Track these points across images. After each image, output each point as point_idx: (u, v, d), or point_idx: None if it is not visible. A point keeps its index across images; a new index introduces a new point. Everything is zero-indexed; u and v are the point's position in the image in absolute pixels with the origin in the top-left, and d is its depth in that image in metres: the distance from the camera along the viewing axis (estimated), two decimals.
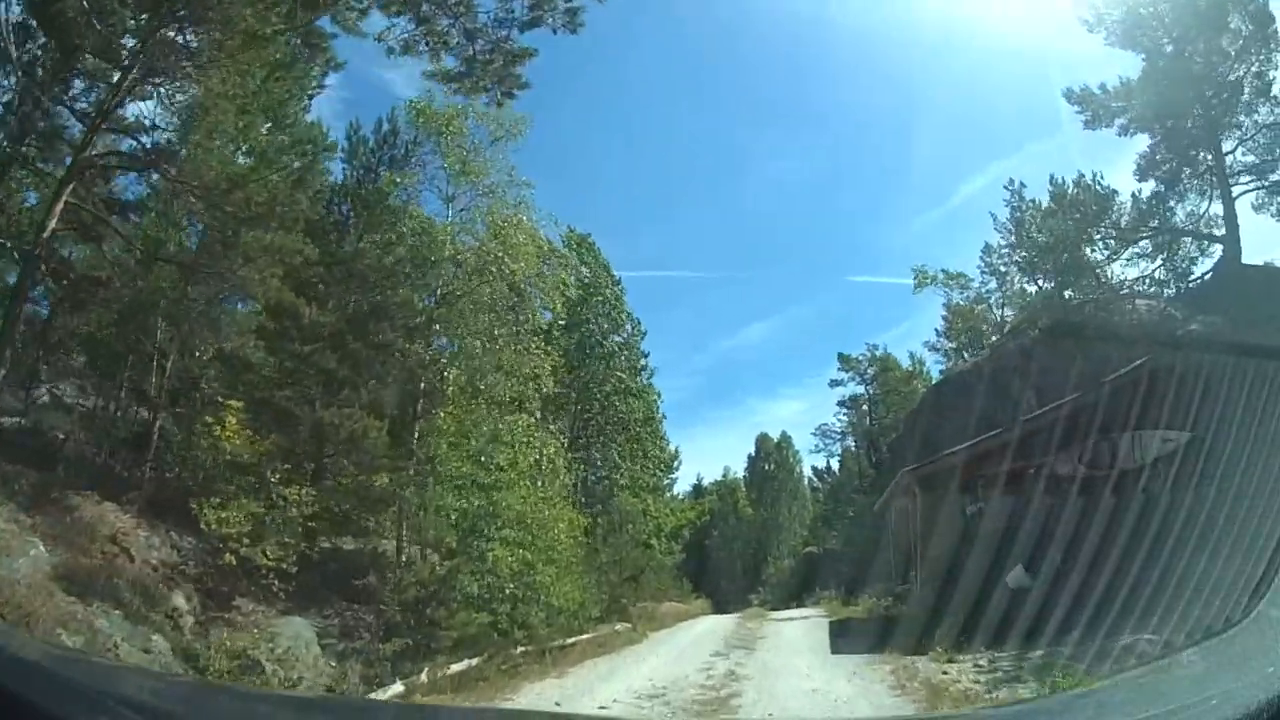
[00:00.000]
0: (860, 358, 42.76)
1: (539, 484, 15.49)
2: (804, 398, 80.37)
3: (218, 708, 1.73)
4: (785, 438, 54.71)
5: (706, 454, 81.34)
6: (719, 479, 53.56)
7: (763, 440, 55.37)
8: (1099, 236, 26.04)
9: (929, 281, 33.26)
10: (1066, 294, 26.61)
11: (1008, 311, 32.46)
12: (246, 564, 9.87)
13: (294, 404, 11.49)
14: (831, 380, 43.61)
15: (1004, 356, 25.83)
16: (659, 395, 38.84)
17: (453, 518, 12.93)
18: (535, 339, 17.73)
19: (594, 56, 48.01)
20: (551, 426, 20.25)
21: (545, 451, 16.58)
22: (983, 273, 32.32)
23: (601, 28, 45.30)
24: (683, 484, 48.87)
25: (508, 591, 12.75)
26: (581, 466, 32.73)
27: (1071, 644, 4.62)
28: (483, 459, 13.94)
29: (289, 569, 10.05)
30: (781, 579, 44.30)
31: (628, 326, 33.87)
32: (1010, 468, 10.91)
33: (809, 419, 72.27)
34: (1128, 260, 26.41)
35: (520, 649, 12.28)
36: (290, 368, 11.75)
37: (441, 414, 14.51)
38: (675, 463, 41.01)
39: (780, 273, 62.98)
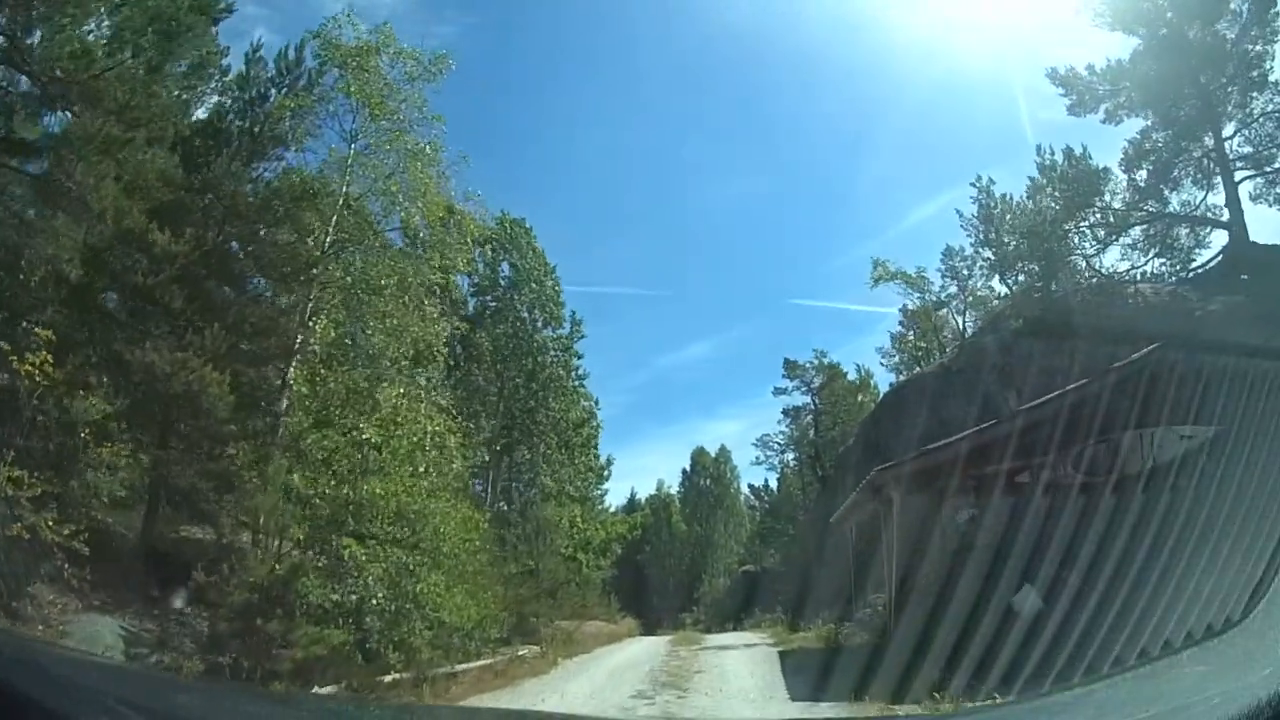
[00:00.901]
0: (807, 365, 44.91)
1: (425, 470, 14.63)
2: (743, 417, 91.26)
3: (218, 707, 1.83)
4: (724, 452, 58.66)
5: (642, 471, 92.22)
6: (653, 493, 57.42)
7: (699, 454, 59.00)
8: (1087, 226, 28.07)
9: (888, 277, 35.47)
10: (1052, 284, 28.35)
11: (970, 316, 35.28)
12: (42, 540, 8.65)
13: (125, 344, 10.55)
14: (775, 388, 45.50)
15: (976, 354, 27.31)
16: (595, 402, 40.58)
17: (304, 505, 11.94)
18: (431, 298, 17.09)
19: (541, 64, 53.92)
20: (447, 401, 19.50)
21: (431, 428, 15.45)
22: (943, 276, 34.89)
23: (551, 34, 51.47)
24: (616, 497, 52.92)
25: (376, 603, 11.76)
26: (505, 469, 33.60)
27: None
28: (353, 434, 13.17)
29: (80, 549, 8.82)
30: (716, 598, 47.28)
31: (565, 322, 34.91)
32: (1013, 466, 10.28)
33: (748, 438, 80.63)
34: (1121, 252, 28.46)
35: (391, 676, 11.33)
36: (132, 305, 10.81)
37: (295, 372, 13.61)
38: (606, 471, 42.78)
39: (723, 292, 71.70)
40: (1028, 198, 29.18)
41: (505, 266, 32.80)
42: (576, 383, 36.34)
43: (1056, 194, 27.99)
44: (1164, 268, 27.78)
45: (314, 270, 14.61)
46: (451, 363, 30.13)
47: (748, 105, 59.22)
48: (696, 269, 69.11)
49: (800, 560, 31.67)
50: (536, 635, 20.44)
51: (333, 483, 12.47)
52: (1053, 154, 28.45)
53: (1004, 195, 31.01)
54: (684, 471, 59.38)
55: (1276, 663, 2.66)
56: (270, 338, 13.03)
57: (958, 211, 32.51)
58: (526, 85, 53.59)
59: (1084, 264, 28.58)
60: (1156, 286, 25.68)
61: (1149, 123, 26.37)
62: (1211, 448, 6.05)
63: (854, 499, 15.43)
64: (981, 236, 32.04)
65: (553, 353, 33.43)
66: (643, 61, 57.77)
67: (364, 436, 13.32)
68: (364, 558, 12.17)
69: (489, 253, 32.36)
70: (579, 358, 36.39)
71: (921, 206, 63.28)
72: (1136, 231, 28.16)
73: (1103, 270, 28.39)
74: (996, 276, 33.01)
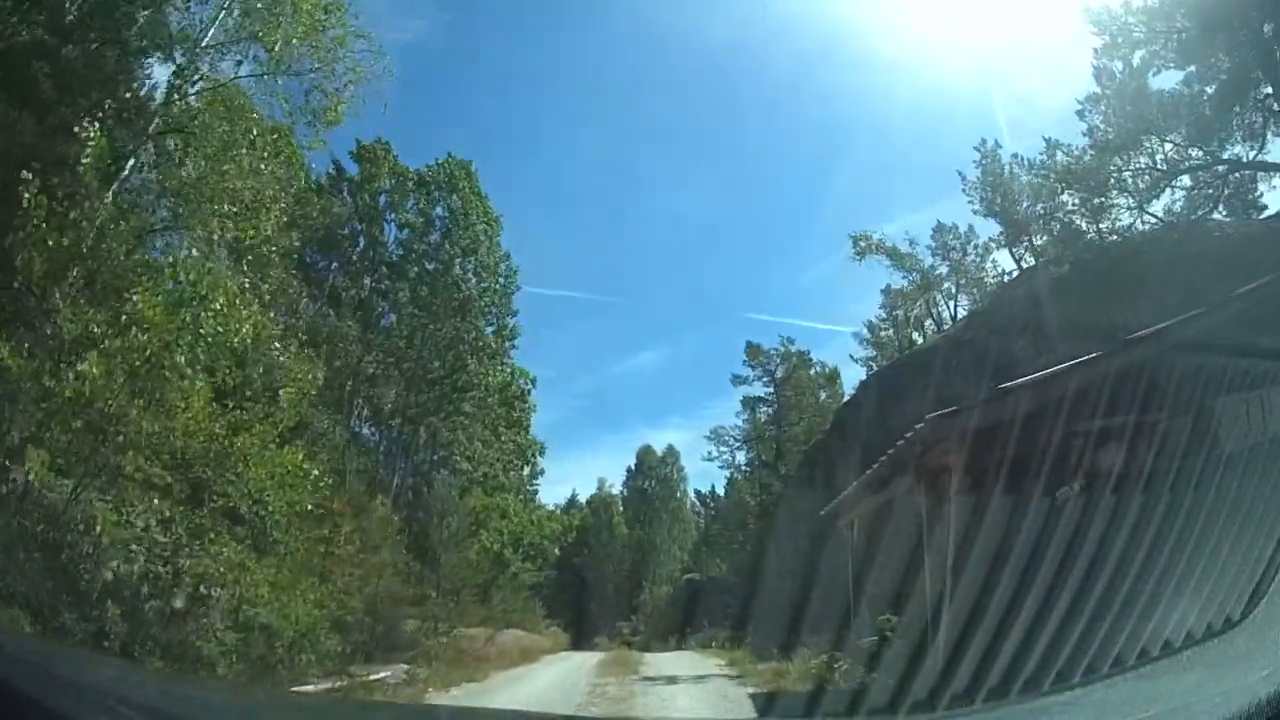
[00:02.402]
0: (772, 351, 44.66)
1: (237, 389, 12.09)
2: (692, 428, 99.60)
3: (218, 707, 1.98)
4: (671, 452, 60.55)
5: (586, 477, 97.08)
6: (594, 492, 58.06)
7: (646, 453, 60.36)
8: (1129, 173, 27.28)
9: (871, 250, 35.94)
10: (1099, 226, 27.23)
11: (963, 300, 36.33)
12: None
13: None
14: (734, 375, 45.59)
15: (996, 317, 26.12)
16: (532, 379, 40.00)
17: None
18: (274, 159, 15.67)
19: (504, 63, 58.19)
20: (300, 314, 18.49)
21: (247, 319, 11.65)
22: (933, 253, 35.84)
23: (515, 33, 57.13)
24: (555, 496, 54.40)
25: (143, 589, 9.31)
26: (407, 441, 32.26)
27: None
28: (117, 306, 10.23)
29: None
30: (657, 608, 48.30)
31: (500, 275, 34.04)
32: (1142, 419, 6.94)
33: (696, 450, 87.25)
34: (1168, 205, 27.48)
35: None
36: None
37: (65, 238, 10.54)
38: (534, 453, 42.25)
39: (676, 302, 77.06)
40: (1080, 123, 28.11)
41: (441, 211, 32.21)
42: (508, 344, 35.65)
43: (1111, 116, 27.14)
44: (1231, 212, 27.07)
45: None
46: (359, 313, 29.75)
47: (709, 119, 65.50)
48: (650, 278, 75.02)
49: (754, 570, 30.46)
50: (418, 649, 18.07)
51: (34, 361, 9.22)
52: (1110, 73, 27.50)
53: (1015, 155, 31.09)
54: (628, 470, 60.73)
55: (1276, 663, 3.01)
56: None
57: (960, 174, 32.74)
58: (488, 83, 58.42)
59: (1129, 211, 27.78)
60: (1247, 222, 24.34)
61: (1191, 70, 26.11)
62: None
63: (874, 474, 12.25)
64: (986, 205, 32.17)
65: (479, 304, 32.52)
66: (605, 67, 64.23)
67: (134, 305, 10.05)
68: (97, 503, 9.38)
69: (422, 195, 31.96)
70: (513, 315, 35.39)
71: (880, 228, 69.59)
72: (1186, 180, 27.77)
73: (1156, 217, 27.74)
74: (1005, 248, 33.67)
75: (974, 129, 49.01)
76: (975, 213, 32.88)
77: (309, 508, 14.21)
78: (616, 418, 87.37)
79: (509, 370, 36.95)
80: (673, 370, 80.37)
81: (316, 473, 13.70)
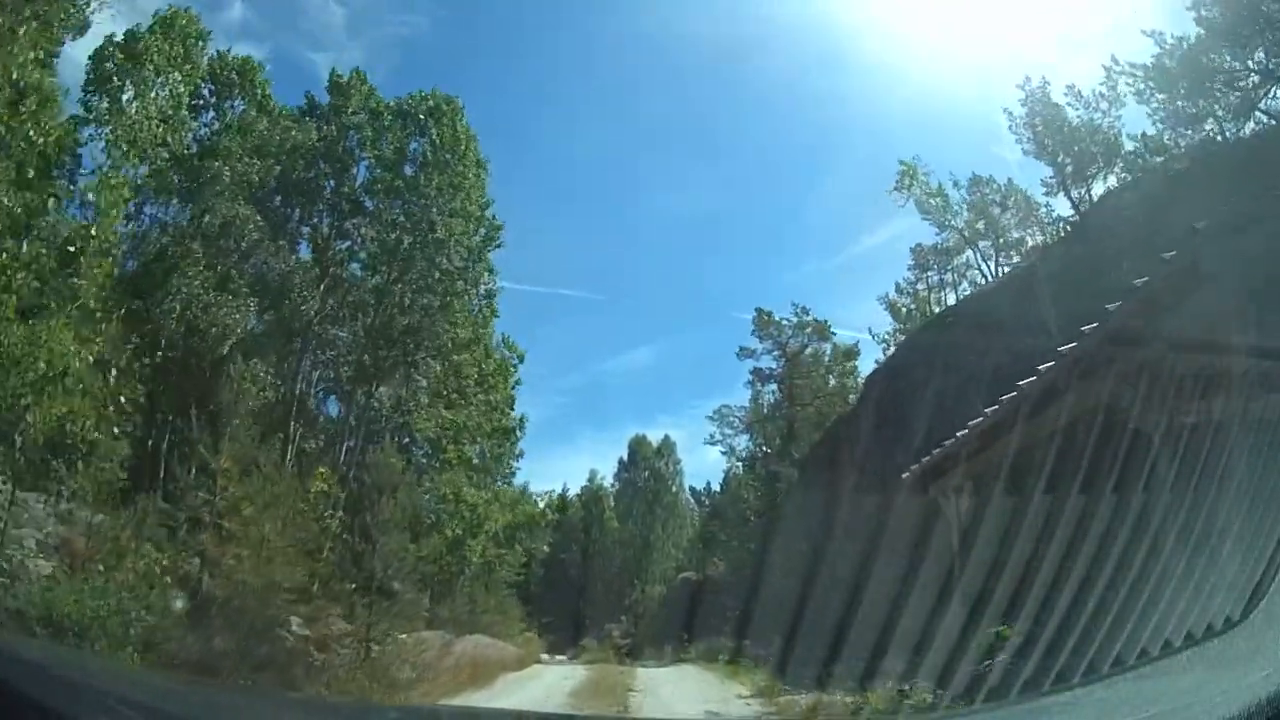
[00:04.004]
0: (785, 321, 39.85)
1: None
2: (683, 426, 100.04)
3: (218, 707, 1.99)
4: (667, 443, 58.27)
5: (575, 474, 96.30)
6: (584, 484, 56.37)
7: (639, 443, 58.02)
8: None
9: (913, 182, 32.77)
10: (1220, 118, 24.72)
11: (999, 262, 33.39)
12: None
13: None
14: (741, 348, 41.04)
15: (1091, 234, 22.52)
16: (514, 347, 36.63)
17: None
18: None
19: (500, 58, 58.06)
20: None
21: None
22: (969, 208, 33.10)
23: (514, 28, 58.75)
24: (541, 488, 50.65)
25: None
26: (362, 405, 28.06)
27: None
28: None
29: None
30: (651, 610, 46.91)
31: (483, 224, 30.28)
32: None
33: (687, 448, 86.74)
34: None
35: None
36: None
37: None
38: (515, 426, 37.08)
39: (668, 301, 78.59)
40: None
41: (417, 147, 28.71)
42: (482, 300, 31.80)
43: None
44: None
45: None
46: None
47: (704, 119, 67.67)
48: (641, 276, 76.05)
49: (761, 567, 26.58)
50: (309, 661, 13.88)
51: None
52: None
53: (1071, 85, 28.93)
54: (620, 462, 58.59)
55: (1276, 663, 3.02)
56: None
57: (1006, 111, 30.38)
58: (485, 79, 59.01)
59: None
60: None
61: None
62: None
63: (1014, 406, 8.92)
64: (1037, 145, 29.75)
65: (456, 248, 28.56)
66: (602, 66, 66.12)
67: None
68: None
69: (397, 128, 28.58)
70: (490, 272, 31.44)
71: (874, 232, 73.97)
72: None
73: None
74: (1059, 192, 30.48)
75: (972, 131, 49.37)
76: (1026, 153, 30.57)
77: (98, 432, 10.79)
78: (603, 415, 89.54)
79: (487, 333, 33.37)
80: (662, 368, 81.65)
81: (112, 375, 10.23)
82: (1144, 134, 27.25)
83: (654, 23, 56.19)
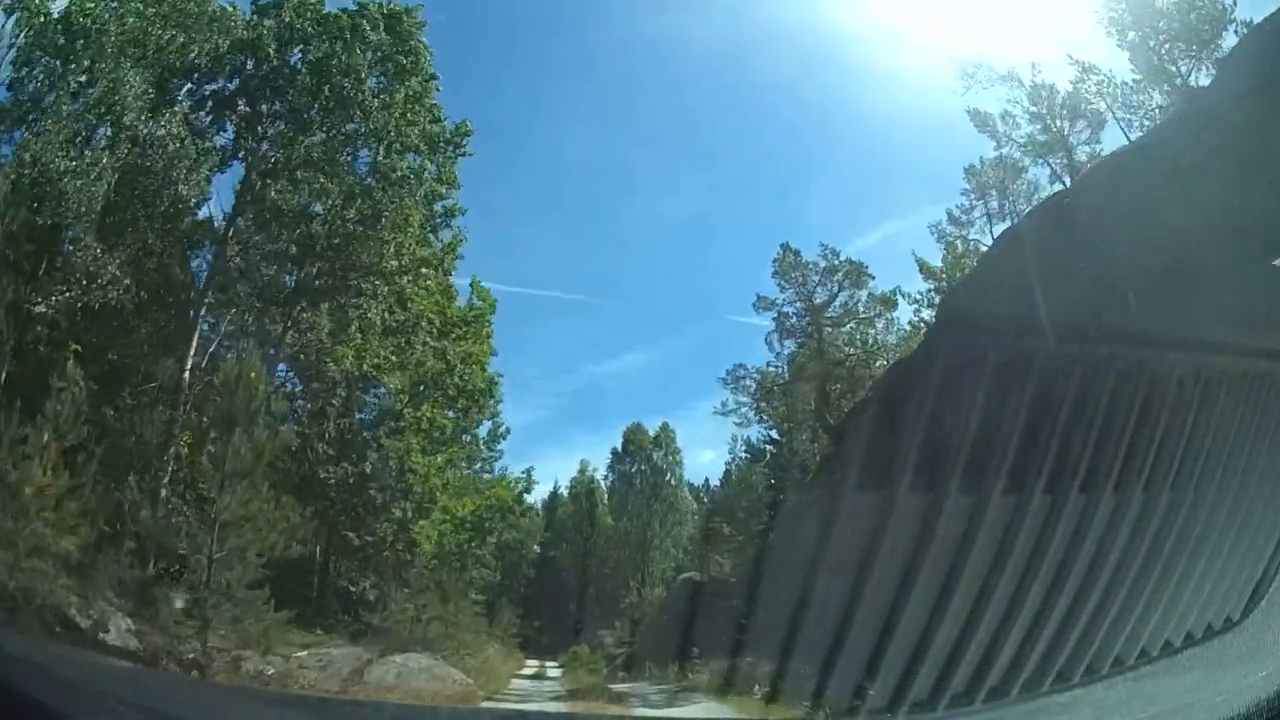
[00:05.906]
0: (812, 264, 33.79)
1: None
2: (678, 428, 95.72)
3: (218, 707, 1.98)
4: (666, 430, 52.48)
5: (566, 478, 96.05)
6: (575, 475, 52.60)
7: (635, 433, 52.69)
8: None
9: (982, 80, 28.36)
10: None
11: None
12: None
13: None
14: (758, 297, 34.70)
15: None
16: (490, 301, 29.98)
17: None
18: None
19: (490, 55, 56.37)
20: None
21: None
22: (1031, 121, 28.53)
23: (505, 33, 55.03)
24: (536, 494, 47.54)
25: None
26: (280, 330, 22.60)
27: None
28: None
29: None
30: (647, 615, 42.78)
31: (437, 122, 24.48)
32: None
33: (683, 448, 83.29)
34: None
35: None
36: None
37: None
38: (490, 386, 30.44)
39: (659, 304, 79.22)
40: None
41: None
42: (440, 220, 25.88)
43: None
44: None
45: None
46: None
47: (697, 121, 66.63)
48: (635, 279, 74.97)
49: (759, 568, 22.53)
50: None
51: None
52: None
53: None
54: (614, 451, 53.08)
55: (1276, 663, 3.02)
56: None
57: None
58: (477, 81, 59.50)
59: None
60: None
61: None
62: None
63: None
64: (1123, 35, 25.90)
65: (397, 142, 23.29)
66: (595, 68, 65.39)
67: None
68: None
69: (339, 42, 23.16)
70: (448, 188, 25.37)
71: (865, 235, 74.93)
72: None
73: None
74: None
75: (968, 134, 49.60)
76: (1119, 45, 26.20)
77: None
78: (596, 417, 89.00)
79: (450, 261, 27.25)
80: (655, 370, 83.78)
81: None
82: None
83: (649, 26, 56.16)
